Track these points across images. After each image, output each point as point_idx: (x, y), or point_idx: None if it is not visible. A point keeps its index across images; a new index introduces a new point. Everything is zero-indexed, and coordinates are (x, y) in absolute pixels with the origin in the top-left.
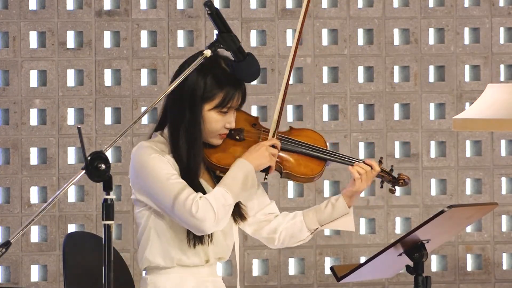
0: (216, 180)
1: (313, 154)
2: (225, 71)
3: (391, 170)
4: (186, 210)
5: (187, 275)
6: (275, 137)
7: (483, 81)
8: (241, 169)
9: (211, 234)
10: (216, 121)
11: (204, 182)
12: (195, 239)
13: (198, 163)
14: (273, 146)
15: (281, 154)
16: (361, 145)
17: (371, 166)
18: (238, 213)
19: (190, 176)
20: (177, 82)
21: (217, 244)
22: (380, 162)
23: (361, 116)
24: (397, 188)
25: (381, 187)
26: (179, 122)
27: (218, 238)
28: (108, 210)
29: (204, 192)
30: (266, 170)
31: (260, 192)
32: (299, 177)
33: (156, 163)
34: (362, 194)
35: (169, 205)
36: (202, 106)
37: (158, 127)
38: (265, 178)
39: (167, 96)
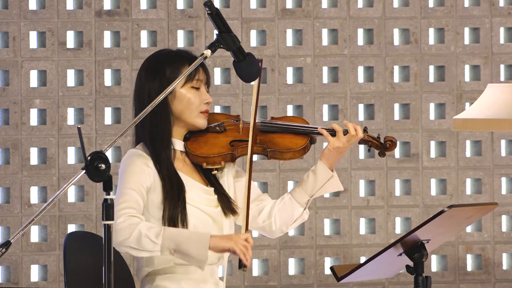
0: (205, 177)
1: (295, 131)
2: (176, 53)
3: (378, 136)
4: (116, 216)
5: (186, 275)
6: (255, 121)
7: (483, 81)
8: (196, 235)
9: (186, 221)
10: (192, 96)
11: (194, 182)
12: (168, 220)
13: (168, 146)
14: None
15: (264, 136)
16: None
17: (355, 130)
18: (228, 207)
19: (165, 165)
20: (177, 81)
21: None
22: (365, 130)
23: (361, 116)
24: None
25: (369, 151)
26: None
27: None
28: (108, 210)
29: (182, 185)
30: (242, 265)
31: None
32: (284, 152)
33: (130, 168)
34: (362, 194)
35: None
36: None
37: (139, 136)
38: (244, 270)
39: (135, 110)
